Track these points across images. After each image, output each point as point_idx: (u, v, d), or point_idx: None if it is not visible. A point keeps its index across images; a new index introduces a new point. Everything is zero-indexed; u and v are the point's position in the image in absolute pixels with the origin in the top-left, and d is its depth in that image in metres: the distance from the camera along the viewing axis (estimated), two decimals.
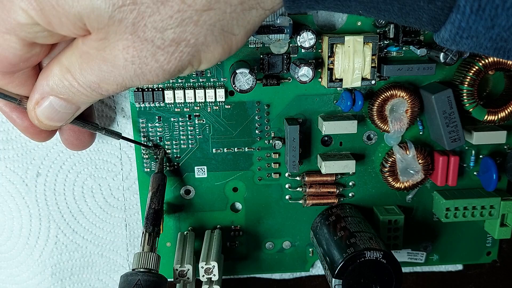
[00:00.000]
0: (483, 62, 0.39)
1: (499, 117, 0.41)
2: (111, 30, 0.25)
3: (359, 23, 0.39)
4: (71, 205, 0.43)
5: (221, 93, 0.40)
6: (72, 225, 0.43)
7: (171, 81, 0.39)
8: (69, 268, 0.44)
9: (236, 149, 0.42)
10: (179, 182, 0.43)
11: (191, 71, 0.28)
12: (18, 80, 0.30)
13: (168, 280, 0.45)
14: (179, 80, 0.39)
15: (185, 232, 0.44)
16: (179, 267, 0.39)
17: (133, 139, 0.41)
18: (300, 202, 0.44)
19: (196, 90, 0.39)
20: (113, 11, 0.24)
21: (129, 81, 0.27)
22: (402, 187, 0.43)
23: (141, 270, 0.35)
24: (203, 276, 0.39)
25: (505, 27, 0.23)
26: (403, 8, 0.24)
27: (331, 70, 0.38)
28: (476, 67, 0.39)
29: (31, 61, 0.29)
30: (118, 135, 0.39)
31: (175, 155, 0.42)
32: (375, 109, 0.40)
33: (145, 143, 0.41)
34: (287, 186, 0.43)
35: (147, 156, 0.42)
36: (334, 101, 0.41)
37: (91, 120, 0.37)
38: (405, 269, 0.48)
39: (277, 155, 0.42)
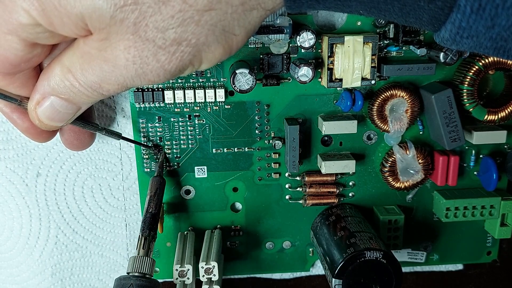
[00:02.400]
0: (483, 62, 0.39)
1: (499, 116, 0.41)
2: (112, 30, 0.25)
3: (359, 23, 0.39)
4: (71, 205, 0.43)
5: (221, 93, 0.40)
6: (72, 225, 0.43)
7: (171, 81, 0.39)
8: (69, 268, 0.44)
9: (236, 149, 0.42)
10: (179, 182, 0.43)
11: (191, 71, 0.28)
12: (19, 81, 0.30)
13: (168, 280, 0.45)
14: (179, 80, 0.39)
15: (185, 232, 0.44)
16: (179, 267, 0.39)
17: (133, 139, 0.41)
18: (300, 202, 0.44)
19: (196, 90, 0.39)
20: (114, 11, 0.24)
21: (130, 81, 0.27)
22: (402, 187, 0.43)
23: (135, 274, 0.35)
24: (203, 276, 0.39)
25: (505, 27, 0.23)
26: (404, 8, 0.24)
27: (331, 70, 0.38)
28: (476, 67, 0.39)
29: (32, 61, 0.29)
30: (118, 135, 0.39)
31: (175, 155, 0.42)
32: (375, 109, 0.40)
33: (145, 143, 0.41)
34: (287, 186, 0.43)
35: (147, 156, 0.42)
36: (334, 101, 0.41)
37: (91, 121, 0.37)
38: (405, 269, 0.48)
39: (277, 155, 0.42)
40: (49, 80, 0.29)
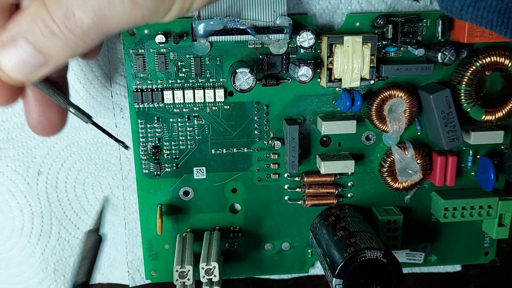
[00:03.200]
0: (480, 62, 0.39)
1: (497, 117, 0.41)
2: None
3: (357, 24, 0.39)
4: (73, 201, 0.43)
5: (220, 93, 0.40)
6: (74, 220, 0.43)
7: (170, 81, 0.39)
8: (71, 264, 0.44)
9: (235, 150, 0.42)
10: (178, 183, 0.42)
11: (182, 6, 0.25)
12: None
13: (166, 282, 0.45)
14: (178, 81, 0.39)
15: (184, 234, 0.43)
16: (180, 268, 0.39)
17: (102, 127, 0.36)
18: (299, 203, 0.44)
19: (195, 91, 0.39)
20: None
21: (108, 9, 0.24)
22: (401, 187, 0.43)
23: None
24: (204, 277, 0.39)
25: None
26: None
27: (330, 70, 0.38)
28: (474, 67, 0.39)
29: None
30: (88, 117, 0.34)
31: (174, 156, 0.42)
32: (373, 109, 0.41)
33: (115, 136, 0.37)
34: (286, 187, 0.43)
35: (145, 157, 0.41)
36: (333, 101, 0.41)
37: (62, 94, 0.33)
38: (404, 270, 0.48)
39: (276, 155, 0.42)
40: (20, 19, 0.26)
